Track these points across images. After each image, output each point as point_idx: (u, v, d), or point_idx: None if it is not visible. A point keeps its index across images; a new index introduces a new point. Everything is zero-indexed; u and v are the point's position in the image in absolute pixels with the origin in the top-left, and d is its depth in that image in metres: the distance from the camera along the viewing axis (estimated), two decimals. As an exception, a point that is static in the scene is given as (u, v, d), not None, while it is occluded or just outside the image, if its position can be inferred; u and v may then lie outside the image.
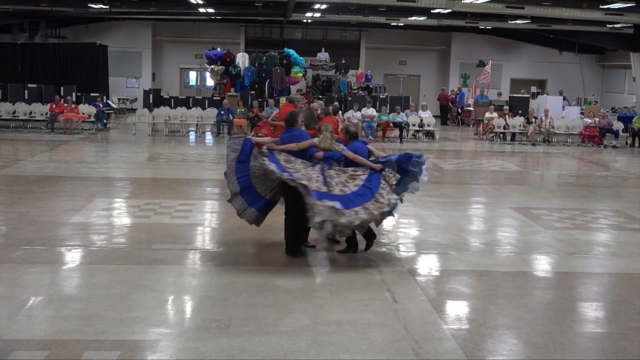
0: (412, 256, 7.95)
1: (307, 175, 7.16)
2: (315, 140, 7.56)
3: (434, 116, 22.67)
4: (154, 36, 30.74)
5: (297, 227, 7.51)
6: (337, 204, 6.90)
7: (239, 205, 7.70)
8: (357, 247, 7.72)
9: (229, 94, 22.92)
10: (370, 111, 20.78)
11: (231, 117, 20.30)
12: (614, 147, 20.68)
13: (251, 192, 7.60)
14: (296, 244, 7.60)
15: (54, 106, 20.55)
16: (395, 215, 7.80)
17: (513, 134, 21.53)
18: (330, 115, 10.36)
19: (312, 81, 27.92)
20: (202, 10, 24.07)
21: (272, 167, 7.05)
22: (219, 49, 25.15)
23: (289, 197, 7.42)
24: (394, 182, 7.41)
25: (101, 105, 21.92)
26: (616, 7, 17.61)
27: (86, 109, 21.27)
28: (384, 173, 7.48)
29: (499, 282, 7.03)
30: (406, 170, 7.56)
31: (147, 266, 7.09)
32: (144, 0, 23.29)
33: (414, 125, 21.36)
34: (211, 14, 25.16)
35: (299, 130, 7.77)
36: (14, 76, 25.07)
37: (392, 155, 7.85)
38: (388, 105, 22.04)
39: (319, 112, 10.52)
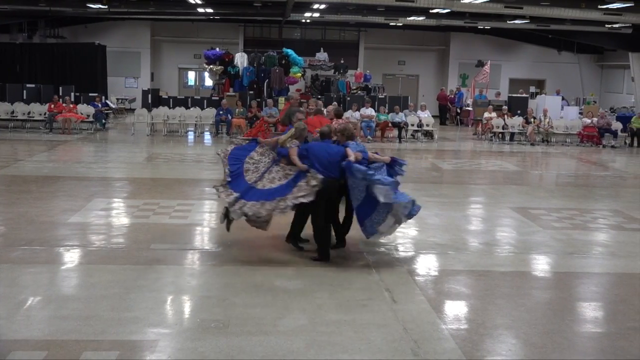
0: (411, 256, 7.95)
1: (258, 168, 7.71)
2: (282, 137, 7.92)
3: (432, 116, 22.67)
4: (152, 36, 30.73)
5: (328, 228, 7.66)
6: (234, 195, 7.42)
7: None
8: (344, 243, 7.85)
9: (228, 94, 22.91)
10: (369, 111, 20.78)
11: (230, 117, 20.31)
12: (612, 147, 20.69)
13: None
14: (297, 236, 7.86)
15: (52, 106, 20.54)
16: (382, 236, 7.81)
17: (512, 134, 21.54)
18: (319, 116, 10.22)
19: (311, 81, 27.93)
20: (200, 10, 24.06)
21: (225, 162, 7.84)
22: (217, 49, 25.13)
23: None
24: (314, 183, 7.26)
25: (100, 105, 21.90)
26: (615, 7, 17.60)
27: (85, 109, 21.26)
28: (308, 174, 7.38)
29: (497, 282, 7.04)
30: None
31: (146, 266, 7.09)
32: (143, 0, 23.28)
33: (412, 125, 21.36)
34: (210, 14, 25.15)
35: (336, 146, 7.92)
36: (12, 76, 25.08)
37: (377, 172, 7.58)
38: (387, 105, 22.04)
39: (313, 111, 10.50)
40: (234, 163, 7.76)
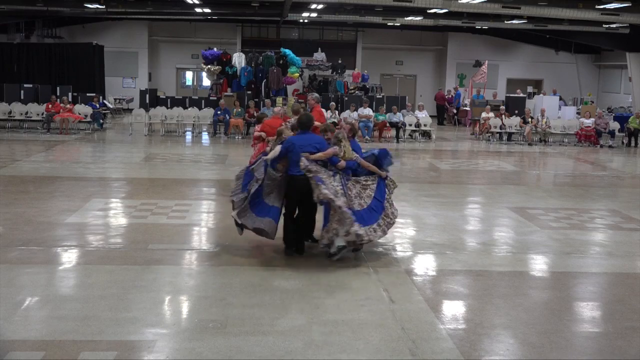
0: (409, 256, 7.96)
1: (333, 188, 7.20)
2: (337, 149, 7.47)
3: (430, 116, 22.69)
4: (150, 36, 30.70)
5: (294, 228, 7.59)
6: (360, 229, 7.12)
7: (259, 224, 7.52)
8: (303, 249, 7.64)
9: (226, 94, 22.91)
10: (367, 111, 20.79)
11: (228, 117, 20.31)
12: (610, 147, 20.72)
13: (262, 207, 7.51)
14: (295, 243, 7.63)
15: (50, 106, 20.53)
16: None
17: (509, 134, 21.57)
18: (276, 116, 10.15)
19: (309, 81, 27.93)
20: (198, 10, 24.05)
21: (327, 192, 7.05)
22: (215, 49, 25.12)
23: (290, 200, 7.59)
24: (393, 191, 7.49)
25: (97, 105, 21.88)
26: (612, 7, 17.63)
27: (82, 109, 21.25)
28: (387, 182, 7.60)
29: (495, 282, 7.04)
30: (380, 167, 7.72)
31: (144, 266, 7.08)
32: (140, 0, 23.27)
33: (410, 125, 21.37)
34: (207, 14, 25.14)
35: (318, 136, 7.74)
36: (10, 76, 25.06)
37: (373, 149, 7.94)
38: (385, 105, 22.05)
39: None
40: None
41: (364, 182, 7.50)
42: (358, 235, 7.11)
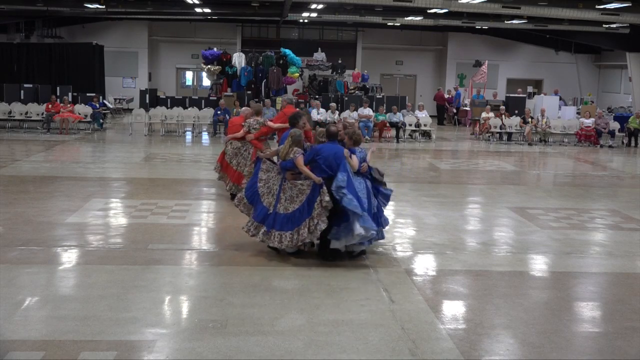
0: (409, 256, 7.96)
1: (270, 187, 7.51)
2: (280, 148, 7.60)
3: (430, 116, 22.68)
4: (150, 36, 30.70)
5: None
6: (264, 229, 7.35)
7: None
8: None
9: (226, 94, 22.93)
10: (367, 111, 20.79)
11: (228, 117, 20.29)
12: (610, 147, 20.72)
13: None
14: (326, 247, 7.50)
15: (50, 106, 20.53)
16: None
17: (509, 134, 21.57)
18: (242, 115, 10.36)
19: (309, 81, 27.94)
20: (198, 10, 24.04)
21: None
22: (215, 49, 25.13)
23: None
24: (327, 199, 7.05)
25: (97, 105, 21.87)
26: (612, 7, 17.63)
27: (82, 109, 21.24)
28: (321, 190, 7.11)
29: (495, 281, 7.04)
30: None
31: (144, 266, 7.08)
32: (140, 0, 23.27)
33: (410, 125, 21.37)
34: (207, 14, 25.14)
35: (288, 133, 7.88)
36: (9, 76, 25.07)
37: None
38: (385, 105, 22.05)
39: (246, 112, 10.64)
40: (252, 195, 7.63)
41: (300, 186, 7.28)
42: (247, 232, 7.55)
